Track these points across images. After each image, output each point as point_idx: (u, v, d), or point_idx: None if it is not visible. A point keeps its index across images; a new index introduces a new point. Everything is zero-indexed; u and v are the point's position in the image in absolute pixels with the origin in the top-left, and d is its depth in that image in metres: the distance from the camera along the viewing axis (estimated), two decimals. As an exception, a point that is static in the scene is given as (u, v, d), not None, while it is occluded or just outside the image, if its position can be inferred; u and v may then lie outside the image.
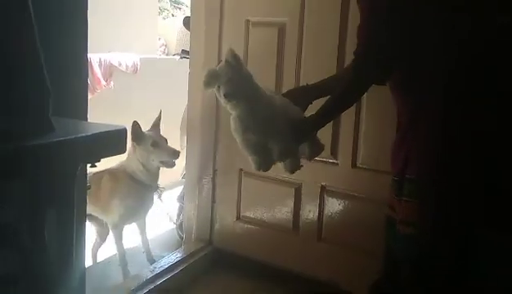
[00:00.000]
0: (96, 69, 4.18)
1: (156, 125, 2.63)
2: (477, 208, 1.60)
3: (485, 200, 1.60)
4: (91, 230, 2.75)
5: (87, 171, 2.51)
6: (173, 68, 4.27)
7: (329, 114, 1.76)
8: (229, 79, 1.64)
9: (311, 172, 2.43)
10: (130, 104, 4.23)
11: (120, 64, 4.41)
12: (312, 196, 2.48)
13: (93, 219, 2.71)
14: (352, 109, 2.29)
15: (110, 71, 4.36)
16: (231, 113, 1.72)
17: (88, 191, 2.49)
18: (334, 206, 2.43)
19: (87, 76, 1.65)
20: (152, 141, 2.51)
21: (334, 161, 2.40)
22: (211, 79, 1.69)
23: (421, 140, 1.63)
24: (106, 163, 2.52)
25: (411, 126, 1.67)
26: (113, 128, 1.16)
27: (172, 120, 3.49)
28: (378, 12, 1.63)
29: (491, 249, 1.72)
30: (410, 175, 1.65)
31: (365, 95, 2.23)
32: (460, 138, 1.58)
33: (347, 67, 1.75)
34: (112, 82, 4.30)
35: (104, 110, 3.63)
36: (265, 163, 1.71)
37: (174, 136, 3.45)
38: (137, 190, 2.56)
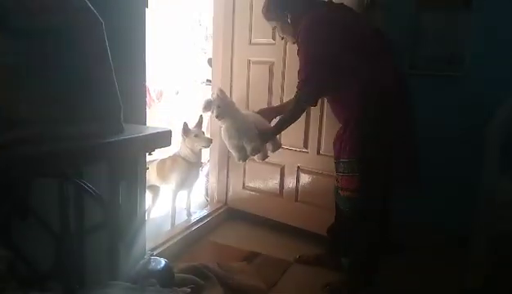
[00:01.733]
0: (151, 92, 4.18)
1: (199, 124, 2.66)
2: (387, 174, 1.63)
3: (393, 169, 1.63)
4: (148, 198, 2.75)
5: (154, 158, 2.58)
6: (201, 91, 4.28)
7: (281, 126, 1.84)
8: (218, 106, 1.73)
9: (290, 158, 2.46)
10: (173, 114, 4.22)
11: (166, 89, 4.40)
12: (291, 173, 2.48)
13: (151, 189, 2.71)
14: (317, 115, 2.32)
15: (160, 93, 4.37)
16: (222, 127, 1.80)
17: (153, 170, 2.55)
18: (305, 179, 2.43)
19: (145, 97, 1.66)
20: (195, 133, 2.55)
21: (306, 150, 2.40)
22: (206, 106, 1.79)
23: (351, 137, 1.66)
24: (168, 153, 2.58)
25: (345, 127, 1.70)
26: (162, 130, 1.17)
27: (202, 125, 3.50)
28: (309, 63, 1.66)
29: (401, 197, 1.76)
30: (343, 158, 1.68)
31: (325, 107, 2.27)
32: (376, 132, 1.62)
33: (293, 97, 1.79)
34: (162, 101, 4.30)
35: (157, 118, 3.65)
36: (242, 157, 1.80)
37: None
38: (188, 167, 2.59)
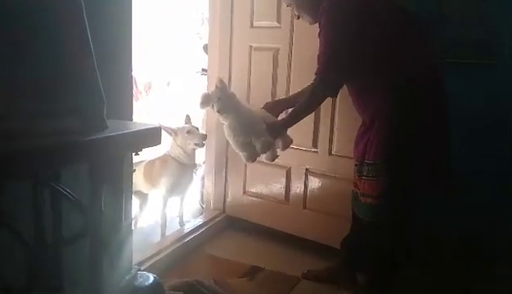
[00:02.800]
0: (139, 84, 4.20)
1: (188, 120, 2.67)
2: (416, 180, 1.63)
3: (421, 174, 1.63)
4: (134, 204, 2.76)
5: (141, 160, 2.59)
6: (195, 81, 4.28)
7: (293, 119, 1.84)
8: (219, 98, 1.72)
9: (298, 159, 2.46)
10: (163, 108, 4.23)
11: (155, 81, 4.42)
12: (298, 176, 2.48)
13: (138, 194, 2.72)
14: (329, 110, 2.31)
15: (149, 85, 4.38)
16: (224, 124, 1.79)
17: (139, 173, 2.55)
18: (315, 183, 2.43)
19: (131, 89, 1.67)
20: (187, 130, 2.56)
21: (315, 150, 2.40)
22: (205, 100, 1.79)
23: (378, 135, 1.66)
24: (157, 154, 2.59)
25: (371, 125, 1.70)
26: (150, 126, 1.18)
27: (195, 121, 3.51)
28: (330, 47, 1.65)
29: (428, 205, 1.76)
30: (368, 160, 1.68)
31: (338, 100, 2.26)
32: (405, 133, 1.61)
33: (310, 85, 1.78)
34: (151, 93, 4.32)
35: (145, 113, 3.66)
36: (251, 156, 1.79)
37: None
38: (180, 169, 2.61)
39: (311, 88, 1.74)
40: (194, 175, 2.80)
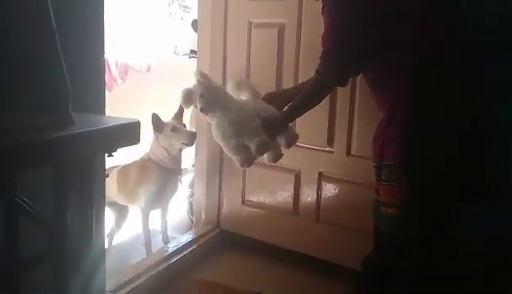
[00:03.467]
0: (112, 69, 4.20)
1: (178, 116, 2.66)
2: (447, 186, 1.62)
3: (452, 179, 1.62)
4: (109, 218, 2.76)
5: (113, 165, 2.57)
6: (183, 67, 4.28)
7: (294, 112, 1.83)
8: (201, 95, 1.73)
9: (309, 160, 2.45)
10: (144, 99, 4.24)
11: (134, 64, 4.43)
12: (310, 182, 2.48)
13: (114, 206, 2.72)
14: (347, 100, 2.32)
15: (125, 70, 4.38)
16: (211, 123, 1.79)
17: (112, 182, 2.54)
18: (330, 190, 2.44)
19: (104, 75, 1.67)
20: (172, 127, 2.57)
21: (330, 149, 2.40)
22: (187, 98, 1.79)
23: (398, 130, 1.65)
24: (133, 157, 2.59)
25: (390, 118, 1.69)
26: (127, 121, 1.18)
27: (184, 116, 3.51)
28: (336, 26, 1.65)
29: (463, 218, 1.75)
30: (386, 161, 1.68)
31: (358, 88, 2.26)
32: (431, 128, 1.61)
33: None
34: (127, 80, 4.32)
35: (120, 105, 3.66)
36: (246, 160, 1.78)
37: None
38: (163, 176, 2.60)
39: (315, 76, 1.75)
40: (179, 182, 2.79)
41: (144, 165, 2.60)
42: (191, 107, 1.87)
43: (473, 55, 1.67)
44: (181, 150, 2.63)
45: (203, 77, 1.78)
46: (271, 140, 1.78)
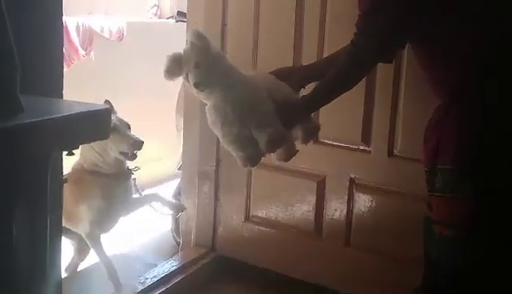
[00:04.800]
0: (73, 36, 4.18)
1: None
2: None
3: None
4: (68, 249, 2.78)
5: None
6: (167, 33, 4.28)
7: (321, 97, 1.80)
8: (196, 64, 1.69)
9: (337, 162, 2.46)
10: (114, 77, 4.23)
11: (103, 30, 4.42)
12: (338, 191, 2.49)
13: (70, 232, 2.72)
14: (389, 84, 2.32)
15: (90, 38, 4.37)
16: (207, 105, 1.76)
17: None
18: (365, 203, 2.44)
19: (62, 45, 1.67)
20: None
21: (366, 148, 2.42)
22: (174, 66, 1.75)
23: (460, 122, 1.65)
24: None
25: (449, 106, 1.69)
26: (94, 108, 1.19)
27: (167, 97, 3.51)
28: None
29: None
30: (442, 164, 1.67)
31: (404, 68, 2.25)
32: (501, 122, 1.60)
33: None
34: (92, 52, 4.32)
35: (83, 86, 3.67)
36: (251, 158, 1.75)
37: (168, 117, 3.46)
38: (105, 186, 2.58)
39: (349, 48, 1.74)
40: (132, 189, 2.76)
41: (77, 177, 2.57)
42: (178, 80, 1.83)
43: None
44: (120, 160, 2.60)
45: (199, 38, 1.74)
46: (289, 131, 1.78)
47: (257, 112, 1.73)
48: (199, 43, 1.72)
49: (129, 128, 2.58)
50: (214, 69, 1.74)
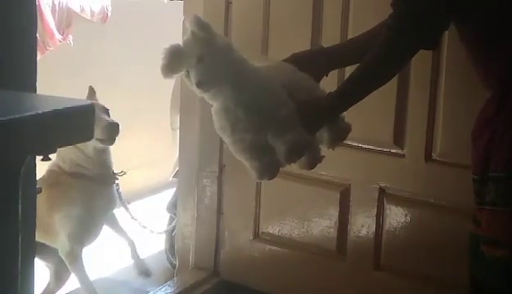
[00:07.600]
0: (47, 18, 4.21)
1: (91, 94, 2.66)
2: None
3: None
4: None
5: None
6: (159, 14, 4.30)
7: (354, 92, 1.79)
8: (200, 58, 1.68)
9: (364, 168, 2.48)
10: (97, 66, 4.26)
11: (83, 10, 4.44)
12: (365, 203, 2.50)
13: (45, 251, 2.73)
14: (427, 77, 2.33)
15: (67, 20, 4.40)
16: (212, 106, 1.76)
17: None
18: (398, 217, 2.45)
19: (35, 28, 1.68)
20: None
21: (399, 151, 2.43)
22: (174, 61, 1.73)
23: None
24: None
25: (503, 99, 1.69)
26: (74, 104, 1.19)
27: (159, 90, 3.52)
28: None
29: None
30: (495, 171, 1.67)
31: (444, 56, 2.25)
32: None
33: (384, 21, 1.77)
34: (71, 36, 4.34)
35: (60, 77, 3.69)
36: (269, 169, 1.75)
37: (162, 113, 3.47)
38: (86, 191, 2.60)
39: (384, 34, 1.74)
40: (115, 195, 2.77)
41: (54, 181, 2.59)
42: (176, 78, 1.83)
43: None
44: (107, 152, 2.62)
45: (202, 28, 1.73)
46: (312, 136, 1.78)
47: (274, 115, 1.73)
48: (203, 34, 1.70)
49: (107, 113, 2.61)
50: (221, 64, 1.72)
